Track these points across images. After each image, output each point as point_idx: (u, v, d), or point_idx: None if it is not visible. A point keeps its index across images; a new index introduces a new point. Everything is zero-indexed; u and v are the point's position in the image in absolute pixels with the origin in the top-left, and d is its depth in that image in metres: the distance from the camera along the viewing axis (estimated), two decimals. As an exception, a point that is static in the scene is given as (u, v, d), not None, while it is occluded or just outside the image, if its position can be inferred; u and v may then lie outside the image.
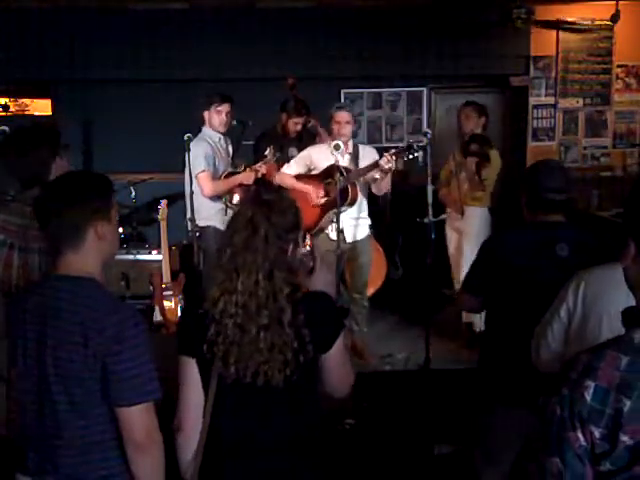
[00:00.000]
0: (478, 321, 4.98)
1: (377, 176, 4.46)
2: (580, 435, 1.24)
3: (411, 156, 4.29)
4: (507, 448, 2.39)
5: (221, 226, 4.43)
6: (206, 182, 4.66)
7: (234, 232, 1.88)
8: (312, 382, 1.91)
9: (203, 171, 4.64)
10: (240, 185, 4.77)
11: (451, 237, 5.32)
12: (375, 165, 4.38)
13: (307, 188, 4.67)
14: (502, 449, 2.48)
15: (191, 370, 1.90)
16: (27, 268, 2.30)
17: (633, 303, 1.41)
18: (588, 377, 1.25)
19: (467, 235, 5.10)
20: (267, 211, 1.88)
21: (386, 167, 4.28)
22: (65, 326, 1.80)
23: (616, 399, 1.22)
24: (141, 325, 1.84)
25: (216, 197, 4.77)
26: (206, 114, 4.81)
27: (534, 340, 2.35)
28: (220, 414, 1.89)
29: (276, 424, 1.89)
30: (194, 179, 4.61)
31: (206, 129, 4.83)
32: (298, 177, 4.79)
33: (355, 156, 4.65)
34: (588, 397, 1.24)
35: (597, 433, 1.23)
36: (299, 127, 5.47)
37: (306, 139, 5.42)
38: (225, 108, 4.77)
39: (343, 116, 4.56)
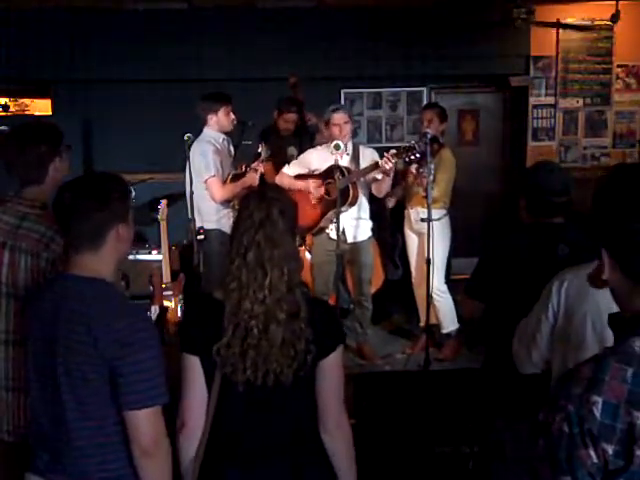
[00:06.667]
0: (448, 322, 4.96)
1: (378, 177, 4.44)
2: (592, 453, 1.19)
3: (412, 157, 4.28)
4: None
5: (227, 230, 4.32)
6: (217, 188, 4.55)
7: (245, 230, 1.86)
8: (312, 383, 1.90)
9: (213, 176, 4.52)
10: (248, 187, 4.58)
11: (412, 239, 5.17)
12: (375, 166, 4.37)
13: (306, 184, 4.65)
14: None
15: (195, 367, 1.90)
16: (15, 267, 2.30)
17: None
18: (594, 392, 1.20)
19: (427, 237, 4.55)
20: (279, 207, 1.88)
21: (386, 168, 4.27)
22: (75, 327, 1.80)
23: (627, 413, 1.18)
24: (151, 329, 1.84)
25: (225, 202, 4.65)
26: (212, 117, 4.63)
27: (518, 344, 2.33)
28: (223, 413, 1.89)
29: (280, 423, 1.89)
30: (202, 183, 4.52)
31: (209, 130, 4.67)
32: (297, 177, 4.78)
33: (356, 157, 4.63)
34: (597, 413, 1.19)
35: (610, 450, 1.18)
36: (290, 125, 5.42)
37: (305, 138, 5.41)
38: (231, 107, 4.68)
39: (341, 117, 4.54)
